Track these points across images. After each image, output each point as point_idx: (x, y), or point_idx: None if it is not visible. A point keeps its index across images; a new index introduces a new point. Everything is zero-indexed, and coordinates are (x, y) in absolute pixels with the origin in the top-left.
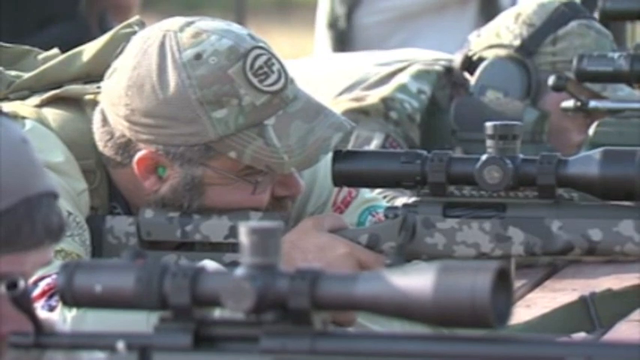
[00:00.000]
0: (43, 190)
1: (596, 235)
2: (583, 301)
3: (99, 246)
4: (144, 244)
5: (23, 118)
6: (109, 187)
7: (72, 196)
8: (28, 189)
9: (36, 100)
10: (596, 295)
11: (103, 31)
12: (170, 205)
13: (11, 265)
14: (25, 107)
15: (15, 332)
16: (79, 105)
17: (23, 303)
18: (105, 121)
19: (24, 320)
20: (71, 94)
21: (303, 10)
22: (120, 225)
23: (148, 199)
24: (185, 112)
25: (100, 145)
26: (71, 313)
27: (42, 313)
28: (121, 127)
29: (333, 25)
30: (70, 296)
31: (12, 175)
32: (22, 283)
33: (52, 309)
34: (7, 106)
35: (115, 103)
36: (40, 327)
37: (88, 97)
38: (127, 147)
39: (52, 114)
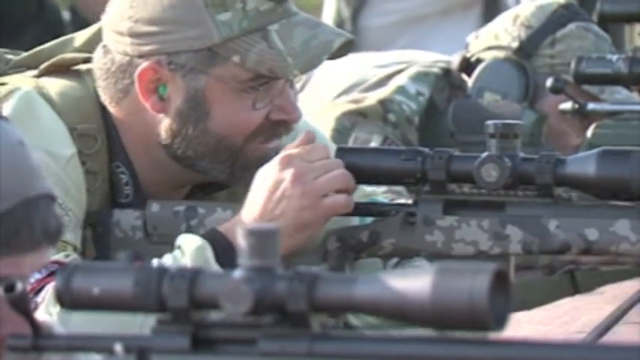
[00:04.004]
0: (41, 193)
1: (592, 234)
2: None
3: (106, 240)
4: (150, 238)
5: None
6: (109, 149)
7: (56, 172)
8: (26, 191)
9: (34, 72)
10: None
11: None
12: (177, 138)
13: (9, 268)
14: (24, 79)
15: (13, 335)
16: (77, 74)
17: (21, 305)
18: (106, 51)
19: (22, 322)
20: (66, 61)
21: (306, 13)
22: (126, 219)
23: (158, 140)
24: (190, 14)
25: (101, 81)
26: (55, 310)
27: (40, 315)
28: (122, 46)
29: (338, 27)
30: (68, 298)
31: (10, 178)
32: (19, 286)
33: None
34: (7, 79)
35: (117, 22)
36: (37, 329)
37: (84, 66)
38: (128, 67)
39: (50, 82)
